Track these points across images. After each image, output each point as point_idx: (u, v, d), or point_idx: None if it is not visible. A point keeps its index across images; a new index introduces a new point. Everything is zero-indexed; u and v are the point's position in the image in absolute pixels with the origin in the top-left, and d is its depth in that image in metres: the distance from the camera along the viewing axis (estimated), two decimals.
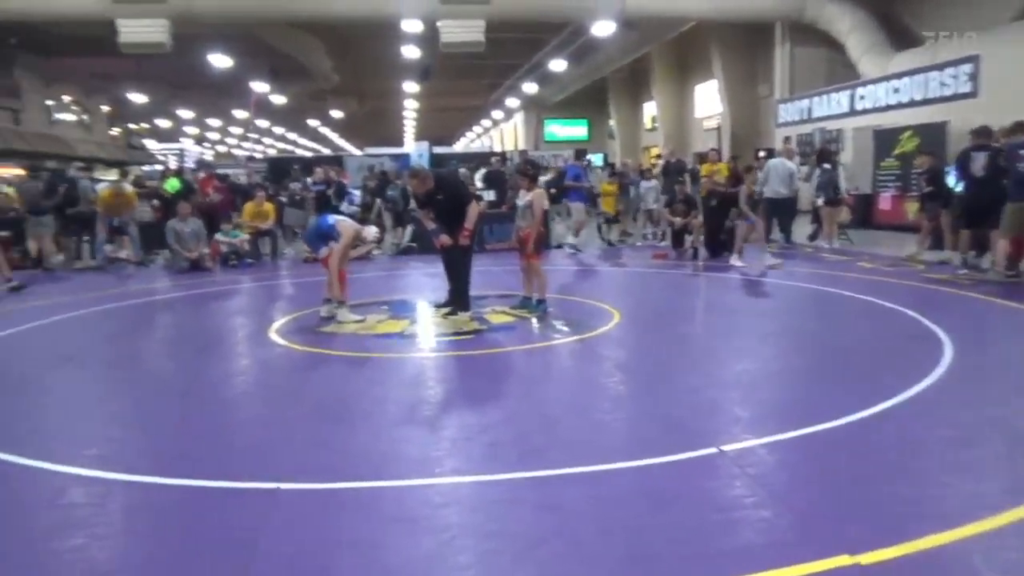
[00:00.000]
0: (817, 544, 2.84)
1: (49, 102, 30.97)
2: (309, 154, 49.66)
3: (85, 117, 34.04)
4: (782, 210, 13.03)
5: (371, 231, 8.01)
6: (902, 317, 7.02)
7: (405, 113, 42.43)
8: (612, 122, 37.60)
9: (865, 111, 18.02)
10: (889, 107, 17.21)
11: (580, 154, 14.91)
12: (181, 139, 48.16)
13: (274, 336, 6.88)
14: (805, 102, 20.26)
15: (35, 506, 3.38)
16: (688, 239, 12.02)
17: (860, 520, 3.05)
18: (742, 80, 24.57)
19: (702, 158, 14.09)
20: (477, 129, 54.01)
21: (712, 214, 11.63)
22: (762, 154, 17.53)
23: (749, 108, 24.57)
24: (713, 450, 3.77)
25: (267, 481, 3.50)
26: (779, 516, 3.11)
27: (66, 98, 32.27)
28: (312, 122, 47.83)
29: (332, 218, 7.75)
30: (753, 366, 5.55)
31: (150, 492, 3.51)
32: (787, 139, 19.56)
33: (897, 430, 4.09)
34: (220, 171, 17.86)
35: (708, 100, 27.98)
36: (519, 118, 43.08)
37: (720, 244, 11.62)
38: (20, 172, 21.41)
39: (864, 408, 4.31)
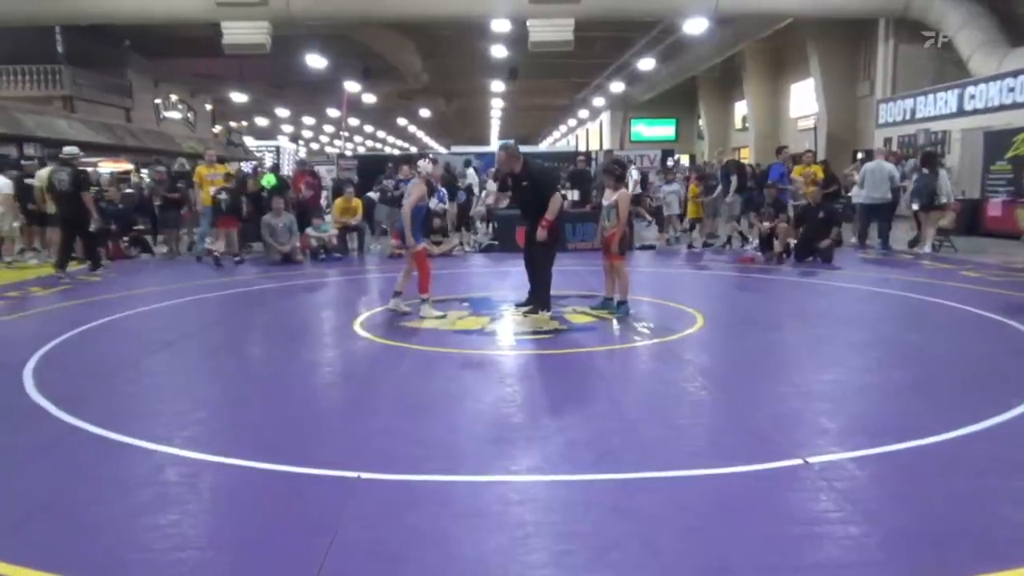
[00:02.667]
0: (909, 565, 2.71)
1: (157, 100, 32.73)
2: (397, 152, 50.80)
3: (190, 115, 35.82)
4: (879, 215, 12.49)
5: (426, 165, 7.85)
6: (1008, 329, 6.61)
7: (491, 112, 42.81)
8: (701, 122, 36.89)
9: (975, 111, 17.02)
10: (1003, 107, 16.21)
11: (779, 150, 14.02)
12: (278, 137, 50.08)
13: (358, 329, 7.06)
14: (908, 102, 19.30)
15: (135, 482, 3.58)
16: (776, 243, 11.64)
17: (957, 543, 2.89)
18: (841, 78, 23.61)
19: (795, 159, 13.55)
20: (562, 128, 53.92)
21: (817, 225, 11.20)
22: (860, 156, 16.82)
23: (847, 108, 23.60)
24: (798, 461, 3.63)
25: (348, 469, 3.59)
26: (868, 534, 2.97)
27: (173, 97, 34.03)
28: (401, 121, 48.88)
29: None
30: (843, 376, 5.33)
31: (238, 474, 3.66)
32: (887, 140, 18.75)
33: (1001, 449, 3.84)
34: (314, 168, 18.44)
35: (804, 99, 27.06)
36: (605, 117, 42.77)
37: (811, 251, 11.22)
38: (129, 166, 22.78)
39: (965, 425, 4.08)
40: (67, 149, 11.65)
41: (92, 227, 11.05)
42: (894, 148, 17.39)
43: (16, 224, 12.28)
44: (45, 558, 2.83)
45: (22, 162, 16.24)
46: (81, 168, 11.25)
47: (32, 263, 12.43)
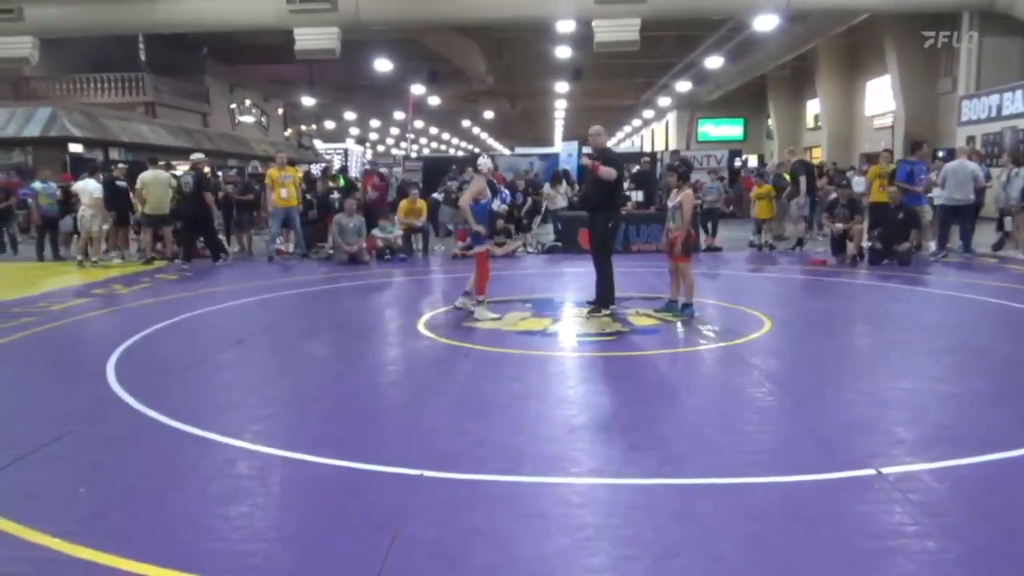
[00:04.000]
0: None
1: (233, 105, 33.84)
2: (461, 153, 51.27)
3: (263, 119, 36.91)
4: (961, 217, 11.91)
5: (486, 162, 7.93)
6: None
7: (555, 113, 42.71)
8: (770, 121, 35.91)
9: None
10: None
11: (915, 147, 12.90)
12: (346, 139, 51.18)
13: (422, 328, 7.14)
14: (994, 98, 18.37)
15: (208, 474, 3.71)
16: (849, 246, 11.24)
17: None
18: (920, 75, 22.64)
19: (871, 159, 13.04)
20: (627, 128, 53.36)
21: (896, 226, 10.78)
22: (940, 155, 16.10)
23: (927, 105, 22.62)
24: (870, 472, 3.50)
25: (412, 467, 3.63)
26: (946, 549, 2.84)
27: (247, 102, 35.15)
28: (465, 122, 49.28)
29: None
30: (920, 384, 5.11)
31: (305, 469, 3.74)
32: (970, 139, 17.93)
33: None
34: (381, 170, 18.79)
35: (880, 97, 26.06)
36: (671, 117, 42.16)
37: (887, 254, 10.78)
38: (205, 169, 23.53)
39: None
40: (194, 156, 13.48)
41: (216, 222, 12.94)
42: (978, 147, 16.60)
43: (105, 226, 12.86)
44: (124, 544, 2.95)
45: (119, 164, 17.08)
46: (203, 171, 13.05)
47: (116, 262, 13.00)
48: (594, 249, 7.52)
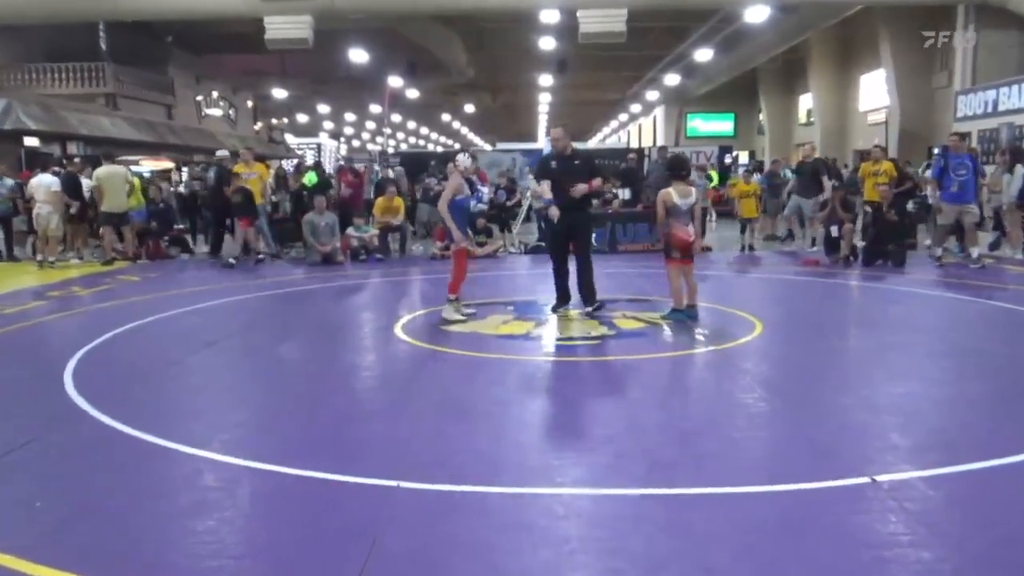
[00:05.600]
0: None
1: (199, 97, 32.57)
2: (440, 149, 50.83)
3: (231, 112, 35.76)
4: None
5: (464, 160, 7.69)
6: None
7: (539, 108, 42.41)
8: (762, 116, 35.71)
9: None
10: None
11: (962, 137, 12.06)
12: (319, 134, 50.05)
13: (399, 332, 6.94)
14: (990, 93, 18.21)
15: (174, 486, 3.55)
16: (842, 245, 11.11)
17: None
18: (915, 69, 22.51)
19: (863, 156, 12.84)
20: (614, 124, 53.11)
21: (891, 227, 10.70)
22: (936, 152, 16.00)
23: (922, 100, 22.53)
24: (864, 479, 3.40)
25: (387, 478, 3.49)
26: (942, 559, 2.76)
27: (215, 94, 33.84)
28: (445, 117, 48.81)
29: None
30: (916, 388, 5.02)
31: (276, 480, 3.59)
32: (965, 136, 17.89)
33: None
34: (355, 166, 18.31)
35: (874, 91, 25.95)
36: (659, 112, 41.74)
37: (881, 255, 10.69)
38: (170, 165, 22.99)
39: None
40: (219, 153, 14.03)
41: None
42: (973, 144, 16.47)
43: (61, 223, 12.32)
44: (85, 561, 2.82)
45: (75, 158, 16.71)
46: (226, 167, 12.89)
47: (74, 263, 12.54)
48: (580, 249, 7.36)
